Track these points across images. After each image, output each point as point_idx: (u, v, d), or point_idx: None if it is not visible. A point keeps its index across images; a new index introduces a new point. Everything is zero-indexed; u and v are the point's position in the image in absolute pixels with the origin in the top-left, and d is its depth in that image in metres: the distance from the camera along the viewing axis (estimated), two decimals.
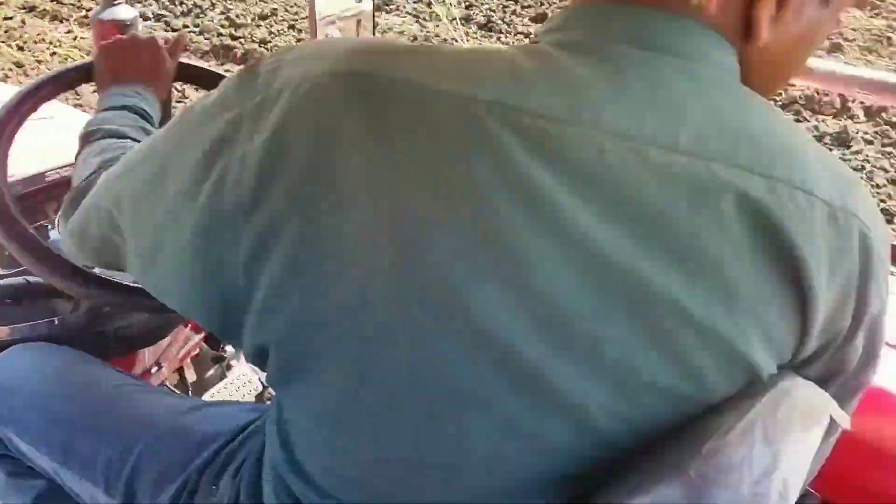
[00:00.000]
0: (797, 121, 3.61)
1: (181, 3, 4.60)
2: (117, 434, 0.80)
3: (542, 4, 4.69)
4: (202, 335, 1.38)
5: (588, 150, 0.46)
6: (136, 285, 0.84)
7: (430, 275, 0.46)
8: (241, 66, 0.56)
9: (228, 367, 1.51)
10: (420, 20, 4.55)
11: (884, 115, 3.58)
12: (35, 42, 4.02)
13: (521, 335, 0.47)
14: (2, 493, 0.93)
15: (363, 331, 0.48)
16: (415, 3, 4.75)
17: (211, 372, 1.50)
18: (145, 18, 4.34)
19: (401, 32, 4.34)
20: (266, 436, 0.64)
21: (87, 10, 4.33)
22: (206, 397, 1.43)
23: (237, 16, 4.43)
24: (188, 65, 1.05)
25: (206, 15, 4.49)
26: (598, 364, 0.48)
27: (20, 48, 3.94)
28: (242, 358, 1.50)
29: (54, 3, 4.57)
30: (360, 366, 0.49)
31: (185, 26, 4.34)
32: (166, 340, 1.25)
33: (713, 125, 0.47)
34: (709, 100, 0.48)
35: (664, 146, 0.46)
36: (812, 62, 0.86)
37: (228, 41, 4.14)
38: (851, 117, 3.59)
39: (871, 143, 3.38)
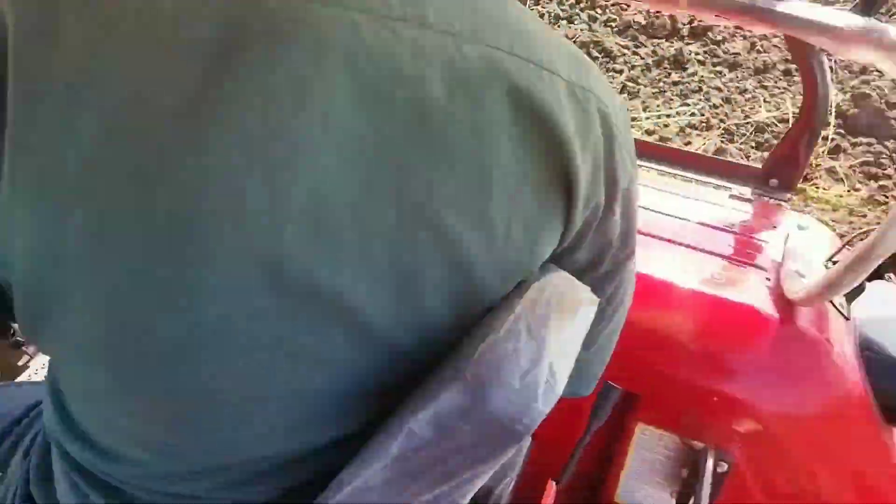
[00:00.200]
0: (636, 45, 3.79)
1: None
2: None
3: None
4: None
5: (343, 29, 0.44)
6: None
7: (176, 188, 0.42)
8: None
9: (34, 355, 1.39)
10: None
11: (709, 34, 3.80)
12: None
13: (290, 243, 0.44)
14: None
15: (107, 259, 0.43)
16: None
17: (18, 359, 1.38)
18: None
19: None
20: (44, 404, 0.60)
21: None
22: None
23: None
24: None
25: None
26: (373, 266, 0.47)
27: None
28: None
29: None
30: (112, 302, 0.44)
31: None
32: None
33: (456, 5, 0.47)
34: None
35: (412, 20, 0.45)
36: None
37: None
38: (682, 38, 3.80)
39: (702, 63, 3.61)
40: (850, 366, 0.97)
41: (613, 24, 3.97)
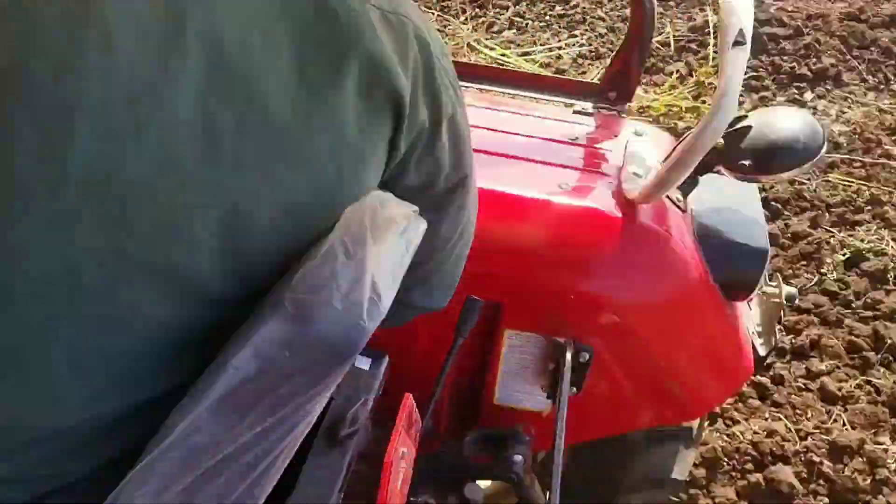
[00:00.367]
0: None
1: None
2: None
3: None
4: None
5: None
6: None
7: None
8: None
9: None
10: None
11: None
12: None
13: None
14: None
15: None
16: None
17: None
18: None
19: None
20: None
21: None
22: None
23: None
24: None
25: None
26: (197, 215, 0.47)
27: None
28: None
29: None
30: None
31: None
32: None
33: None
34: None
35: None
36: None
37: None
38: None
39: None
40: (689, 252, 1.05)
41: None
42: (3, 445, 0.50)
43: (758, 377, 2.08)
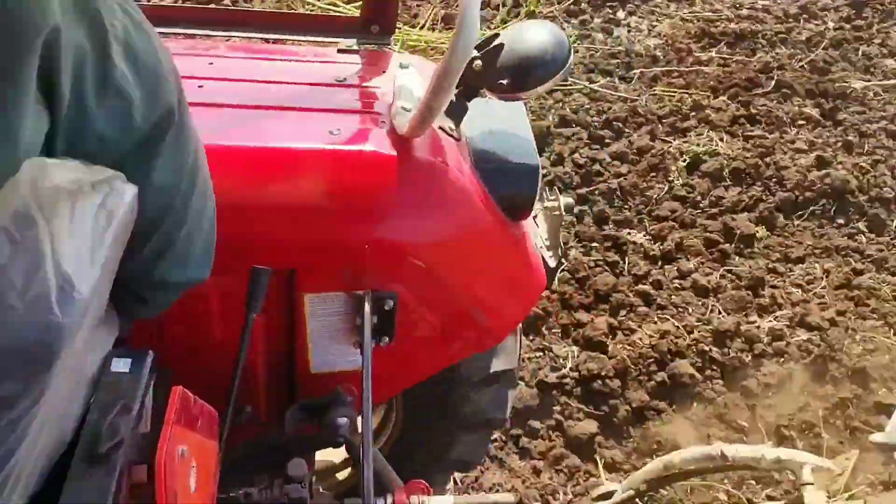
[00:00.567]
0: None
1: None
2: None
3: None
4: None
5: None
6: None
7: None
8: None
9: None
10: None
11: None
12: None
13: None
14: None
15: None
16: None
17: None
18: None
19: None
20: None
21: None
22: None
23: None
24: None
25: None
26: None
27: None
28: None
29: None
30: None
31: None
32: None
33: None
34: None
35: None
36: None
37: None
38: None
39: None
40: (468, 180, 1.05)
41: None
42: None
43: (639, 286, 2.25)
